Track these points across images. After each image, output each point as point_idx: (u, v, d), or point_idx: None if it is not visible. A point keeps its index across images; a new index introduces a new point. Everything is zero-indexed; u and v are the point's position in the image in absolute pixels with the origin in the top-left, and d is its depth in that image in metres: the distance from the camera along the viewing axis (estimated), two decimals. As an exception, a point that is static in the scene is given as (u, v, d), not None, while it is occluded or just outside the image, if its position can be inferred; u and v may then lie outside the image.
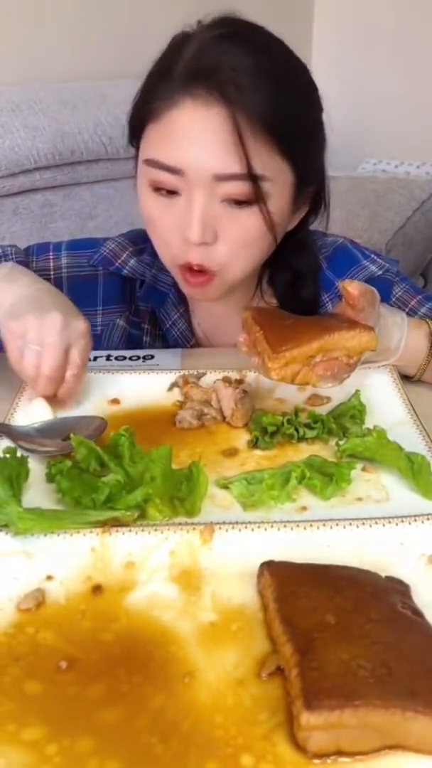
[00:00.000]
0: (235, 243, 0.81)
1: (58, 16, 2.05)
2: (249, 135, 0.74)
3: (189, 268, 0.83)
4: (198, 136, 0.76)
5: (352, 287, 0.73)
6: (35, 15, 2.00)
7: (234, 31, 0.78)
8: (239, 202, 0.78)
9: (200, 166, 0.76)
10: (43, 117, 1.77)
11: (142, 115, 0.80)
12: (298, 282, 0.96)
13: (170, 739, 0.43)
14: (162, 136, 0.78)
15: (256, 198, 0.78)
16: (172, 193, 0.79)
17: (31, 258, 0.97)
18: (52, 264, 0.97)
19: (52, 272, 0.97)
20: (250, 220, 0.80)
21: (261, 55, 0.77)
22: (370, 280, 0.97)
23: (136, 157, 0.86)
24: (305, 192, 0.86)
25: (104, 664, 0.49)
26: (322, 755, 0.43)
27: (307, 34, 2.96)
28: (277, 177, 0.79)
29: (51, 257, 0.98)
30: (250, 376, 0.86)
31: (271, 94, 0.76)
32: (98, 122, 1.85)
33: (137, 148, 0.85)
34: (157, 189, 0.80)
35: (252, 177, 0.76)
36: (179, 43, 0.79)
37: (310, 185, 0.86)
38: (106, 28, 2.17)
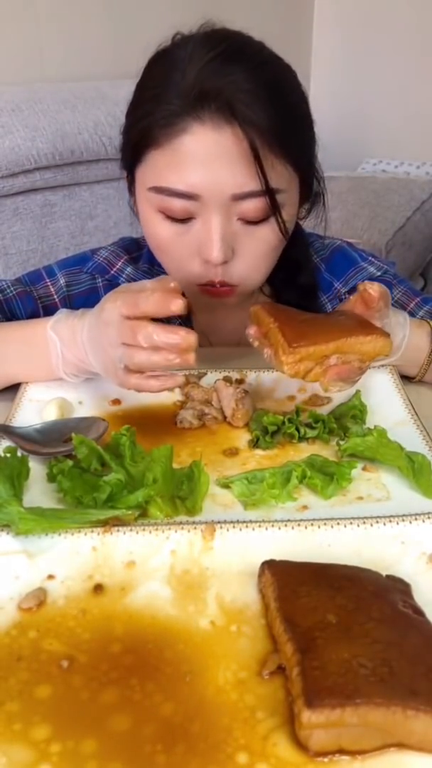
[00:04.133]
0: (253, 257, 0.82)
1: (58, 17, 2.05)
2: (262, 151, 0.74)
3: (210, 285, 0.84)
4: (212, 160, 0.75)
5: (373, 289, 0.74)
6: (35, 15, 2.00)
7: (228, 48, 0.77)
8: (254, 219, 0.79)
9: (217, 189, 0.76)
10: (43, 117, 1.77)
11: (141, 141, 0.79)
12: (302, 298, 0.97)
13: (175, 746, 0.43)
14: (170, 163, 0.77)
15: (273, 211, 0.78)
16: (184, 218, 0.79)
17: (28, 287, 0.96)
18: (52, 288, 0.97)
19: (55, 296, 0.97)
20: (266, 233, 0.81)
21: (259, 70, 0.77)
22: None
23: (129, 179, 0.85)
24: (306, 193, 0.87)
25: (115, 672, 0.48)
26: (323, 754, 0.43)
27: (307, 34, 2.96)
28: (288, 186, 0.80)
29: (49, 282, 0.97)
30: (251, 376, 0.86)
31: (275, 106, 0.76)
32: (98, 122, 1.85)
33: (131, 172, 0.84)
34: (168, 215, 0.80)
35: (269, 192, 0.77)
36: (171, 64, 0.77)
37: (309, 186, 0.87)
38: (106, 28, 2.17)
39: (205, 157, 0.75)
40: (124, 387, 0.74)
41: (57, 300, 0.96)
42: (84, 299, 0.97)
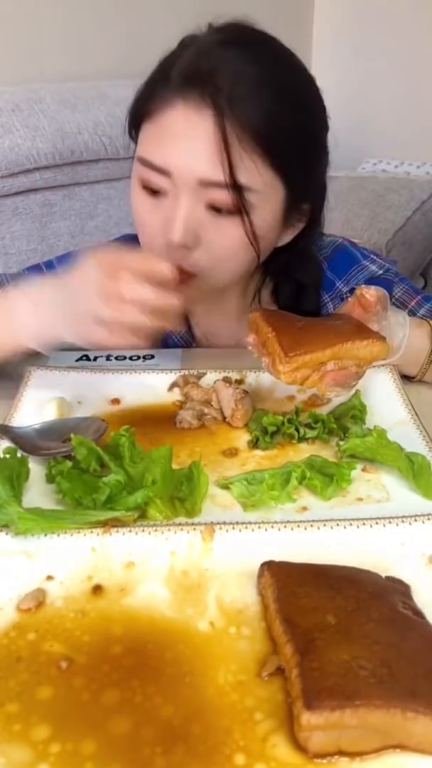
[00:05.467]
0: (216, 250, 0.81)
1: (58, 16, 2.05)
2: (236, 145, 0.74)
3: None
4: (186, 139, 0.76)
5: (370, 294, 0.74)
6: (35, 15, 2.00)
7: (237, 38, 0.77)
8: (222, 210, 0.78)
9: (186, 170, 0.76)
10: (43, 117, 1.77)
11: (139, 112, 0.81)
12: (300, 294, 0.96)
13: (174, 747, 0.43)
14: (154, 135, 0.78)
15: (238, 208, 0.77)
16: (158, 192, 0.79)
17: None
18: None
19: None
20: (232, 230, 0.79)
21: (262, 66, 0.76)
22: (371, 280, 0.98)
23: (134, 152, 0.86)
24: (300, 209, 0.85)
25: (116, 674, 0.48)
26: (322, 755, 0.43)
27: (307, 34, 2.96)
28: (266, 190, 0.78)
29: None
30: (251, 376, 0.86)
31: (268, 106, 0.75)
32: (98, 122, 1.85)
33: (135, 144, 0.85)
34: (146, 187, 0.80)
35: (235, 187, 0.76)
36: (183, 44, 0.79)
37: (306, 202, 0.86)
38: (106, 28, 2.17)
39: (180, 136, 0.76)
40: (91, 342, 0.72)
41: None
42: None
